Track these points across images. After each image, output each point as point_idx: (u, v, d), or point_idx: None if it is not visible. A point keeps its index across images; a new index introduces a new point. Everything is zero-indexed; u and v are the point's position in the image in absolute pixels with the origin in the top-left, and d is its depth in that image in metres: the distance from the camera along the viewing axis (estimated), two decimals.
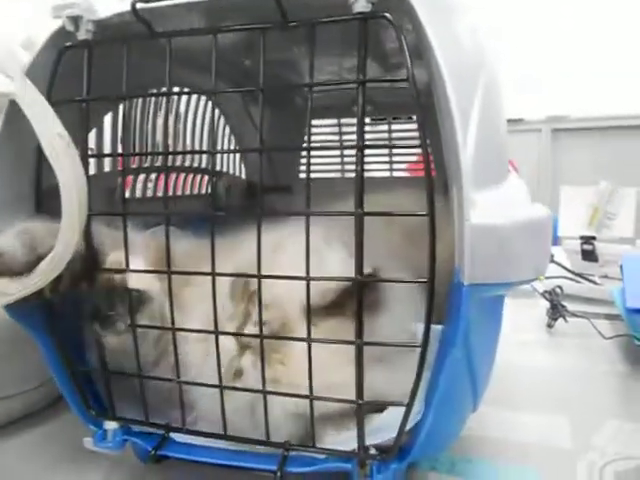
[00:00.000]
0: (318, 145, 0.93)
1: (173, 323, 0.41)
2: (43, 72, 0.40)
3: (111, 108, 0.58)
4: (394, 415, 0.37)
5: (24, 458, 0.51)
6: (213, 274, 0.39)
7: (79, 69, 0.40)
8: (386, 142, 0.97)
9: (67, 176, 0.34)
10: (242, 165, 0.93)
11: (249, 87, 0.82)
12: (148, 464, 0.48)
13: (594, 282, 1.08)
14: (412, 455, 0.38)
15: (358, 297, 0.35)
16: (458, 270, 0.33)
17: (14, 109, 0.36)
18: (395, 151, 0.96)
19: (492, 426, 0.56)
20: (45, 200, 0.44)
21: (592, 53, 2.34)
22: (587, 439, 0.53)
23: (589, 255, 1.21)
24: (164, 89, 0.68)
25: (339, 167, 1.00)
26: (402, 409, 0.36)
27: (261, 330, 0.38)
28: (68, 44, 0.41)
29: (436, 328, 0.35)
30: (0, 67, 0.34)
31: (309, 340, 0.37)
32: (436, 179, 0.89)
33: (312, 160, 1.04)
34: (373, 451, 0.38)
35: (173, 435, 0.43)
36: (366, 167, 0.95)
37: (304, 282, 0.36)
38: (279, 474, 0.38)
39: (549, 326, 0.87)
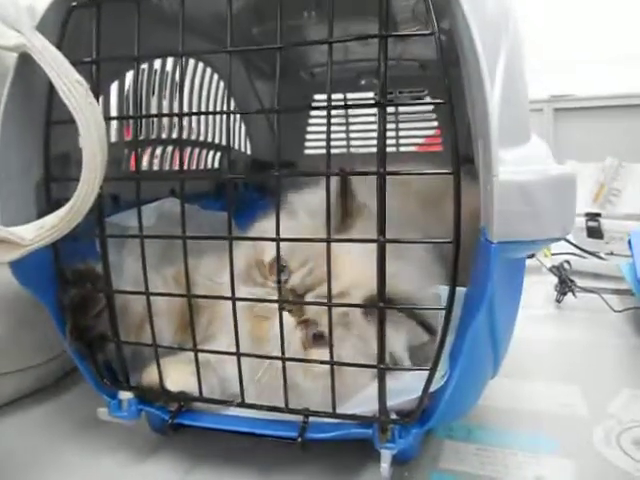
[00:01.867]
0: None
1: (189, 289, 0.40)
2: (50, 36, 0.39)
3: (117, 76, 0.57)
4: (416, 377, 0.37)
5: (37, 430, 0.51)
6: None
7: (85, 36, 0.39)
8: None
9: (88, 121, 0.33)
10: (247, 141, 0.92)
11: (257, 57, 0.81)
12: (162, 434, 0.48)
13: (601, 258, 1.08)
14: (433, 420, 0.38)
15: (381, 259, 0.34)
16: (484, 229, 0.32)
17: (24, 65, 0.35)
18: (403, 126, 0.95)
19: (507, 396, 0.55)
20: (53, 167, 0.42)
21: (594, 32, 2.31)
22: (602, 407, 0.52)
23: (594, 232, 1.20)
24: (170, 60, 0.68)
25: (344, 143, 0.98)
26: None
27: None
28: (75, 3, 0.39)
29: (460, 290, 0.34)
30: (8, 21, 0.33)
31: (330, 304, 0.36)
32: (444, 154, 0.88)
33: (315, 136, 1.03)
34: (394, 416, 0.38)
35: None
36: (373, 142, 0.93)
37: None
38: (300, 441, 0.38)
39: (558, 301, 0.86)
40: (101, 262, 0.43)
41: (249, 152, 0.92)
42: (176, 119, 0.71)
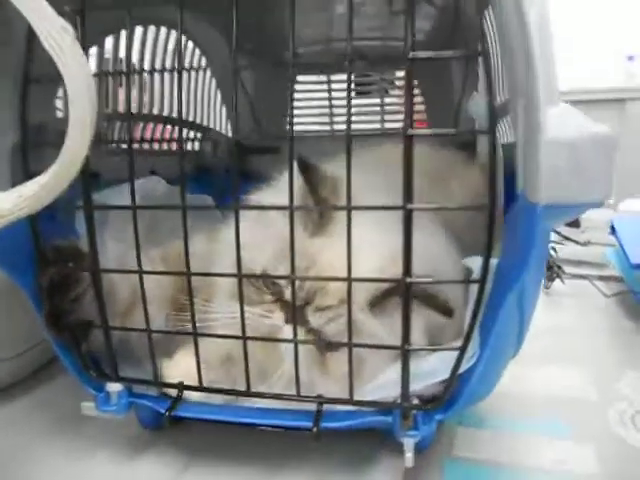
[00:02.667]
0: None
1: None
2: None
3: (97, 40, 0.52)
4: (441, 358, 0.34)
5: (12, 429, 0.46)
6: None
7: None
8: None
9: (75, 74, 0.29)
10: (228, 124, 0.87)
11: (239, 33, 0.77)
12: (154, 429, 0.44)
13: (581, 245, 1.08)
14: (458, 404, 0.35)
15: (406, 227, 0.31)
16: (523, 193, 0.30)
17: None
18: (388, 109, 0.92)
19: (512, 382, 0.53)
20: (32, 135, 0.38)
21: (565, 27, 2.35)
22: (611, 390, 0.51)
23: (571, 221, 1.21)
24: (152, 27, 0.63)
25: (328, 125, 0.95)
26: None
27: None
28: None
29: (491, 262, 0.32)
30: None
31: (351, 279, 0.33)
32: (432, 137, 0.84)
33: (299, 120, 0.98)
34: (416, 401, 0.35)
35: None
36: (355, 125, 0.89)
37: None
38: (315, 430, 0.34)
39: (546, 287, 0.85)
40: (83, 240, 0.38)
41: (230, 135, 0.88)
42: (164, 96, 0.67)
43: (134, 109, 0.61)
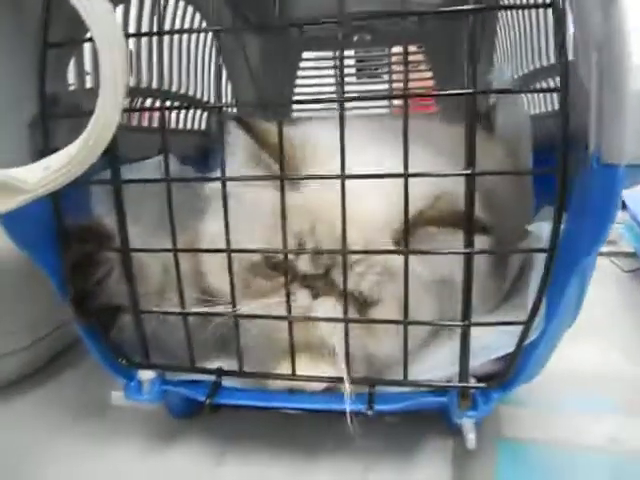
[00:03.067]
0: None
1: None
2: None
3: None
4: (501, 330, 0.32)
5: (28, 422, 0.44)
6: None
7: None
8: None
9: (104, 28, 0.27)
10: (234, 101, 0.84)
11: (244, 7, 0.73)
12: (186, 418, 0.42)
13: None
14: (518, 381, 0.33)
15: (469, 192, 0.29)
16: (596, 155, 0.28)
17: None
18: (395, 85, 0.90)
19: None
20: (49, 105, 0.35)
21: None
22: None
23: None
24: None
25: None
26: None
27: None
28: None
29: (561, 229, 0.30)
30: None
31: (408, 251, 0.31)
32: (442, 114, 0.82)
33: (303, 97, 0.95)
34: (473, 380, 0.33)
35: None
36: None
37: None
38: (370, 413, 0.33)
39: None
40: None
41: (235, 112, 0.85)
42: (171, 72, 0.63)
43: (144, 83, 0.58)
